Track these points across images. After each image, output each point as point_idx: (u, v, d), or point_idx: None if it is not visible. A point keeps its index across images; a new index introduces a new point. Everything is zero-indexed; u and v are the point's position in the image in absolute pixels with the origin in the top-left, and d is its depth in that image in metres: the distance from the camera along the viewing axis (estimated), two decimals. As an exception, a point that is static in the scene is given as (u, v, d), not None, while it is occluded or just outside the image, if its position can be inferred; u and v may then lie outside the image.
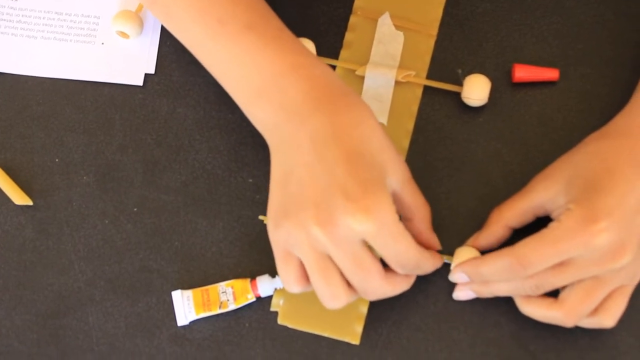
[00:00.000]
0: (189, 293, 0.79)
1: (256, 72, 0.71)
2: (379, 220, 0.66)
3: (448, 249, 0.78)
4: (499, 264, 0.72)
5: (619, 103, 0.78)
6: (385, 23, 0.84)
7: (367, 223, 0.66)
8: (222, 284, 0.79)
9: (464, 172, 0.81)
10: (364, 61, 0.83)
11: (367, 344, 0.78)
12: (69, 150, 0.83)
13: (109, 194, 0.82)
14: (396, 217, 0.68)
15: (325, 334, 0.78)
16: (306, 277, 0.70)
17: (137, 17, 0.84)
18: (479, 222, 0.78)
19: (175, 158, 0.82)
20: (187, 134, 0.83)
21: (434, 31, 0.84)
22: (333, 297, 0.70)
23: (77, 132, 0.83)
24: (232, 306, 0.78)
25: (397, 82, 0.82)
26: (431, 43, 0.84)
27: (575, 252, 0.69)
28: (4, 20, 0.86)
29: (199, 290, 0.79)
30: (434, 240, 0.75)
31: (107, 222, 0.81)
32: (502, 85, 0.82)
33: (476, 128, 0.82)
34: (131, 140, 0.83)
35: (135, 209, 0.81)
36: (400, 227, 0.68)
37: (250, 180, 0.81)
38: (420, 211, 0.74)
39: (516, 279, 0.72)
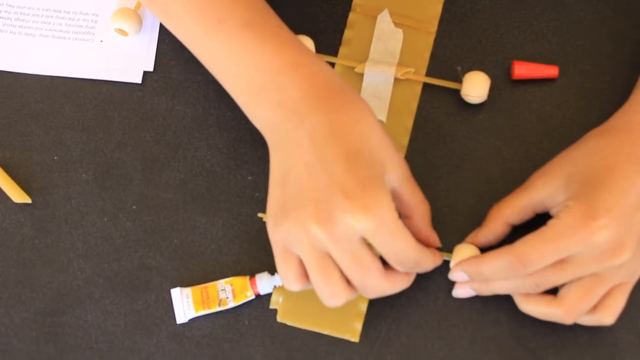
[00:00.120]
0: (188, 291, 0.79)
1: (255, 70, 0.71)
2: (378, 217, 0.66)
3: (447, 247, 0.78)
4: (499, 263, 0.72)
5: (619, 100, 0.78)
6: (384, 20, 0.83)
7: (367, 221, 0.66)
8: (222, 282, 0.79)
9: (463, 169, 0.81)
10: (363, 58, 0.83)
11: (366, 342, 0.78)
12: (67, 148, 0.83)
13: (108, 192, 0.82)
14: (395, 214, 0.68)
15: (325, 332, 0.78)
16: (306, 276, 0.70)
17: (136, 15, 0.84)
18: (478, 220, 0.78)
19: (174, 156, 0.82)
20: (186, 132, 0.83)
21: (433, 28, 0.84)
22: (333, 295, 0.70)
23: (75, 130, 0.83)
24: (231, 304, 0.78)
25: (396, 80, 0.82)
26: (430, 40, 0.83)
27: (574, 250, 0.69)
28: (2, 18, 0.86)
29: (198, 287, 0.79)
30: (433, 237, 0.75)
31: (106, 219, 0.81)
32: (502, 82, 0.82)
33: (476, 125, 0.81)
34: (130, 138, 0.83)
35: (134, 207, 0.81)
36: (399, 224, 0.68)
37: (250, 178, 0.81)
38: (419, 209, 0.74)
39: (516, 277, 0.72)
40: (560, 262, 0.70)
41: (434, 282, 0.78)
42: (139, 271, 0.80)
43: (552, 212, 0.73)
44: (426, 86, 0.82)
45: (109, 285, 0.80)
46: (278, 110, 0.70)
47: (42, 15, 0.86)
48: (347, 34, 0.84)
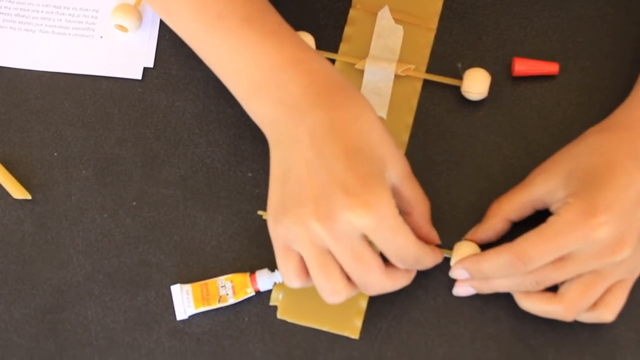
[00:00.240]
0: (188, 287, 0.79)
1: (255, 66, 0.71)
2: (378, 214, 0.66)
3: (447, 244, 0.78)
4: (499, 261, 0.72)
5: (619, 96, 0.78)
6: (384, 16, 0.83)
7: (367, 217, 0.66)
8: (222, 278, 0.79)
9: (463, 166, 0.80)
10: (364, 55, 0.83)
11: (366, 339, 0.78)
12: (67, 144, 0.83)
13: (108, 188, 0.82)
14: (396, 211, 0.68)
15: (325, 329, 0.78)
16: (306, 272, 0.70)
17: (136, 11, 0.84)
18: (478, 216, 0.78)
19: (174, 152, 0.82)
20: (186, 128, 0.83)
21: (434, 25, 0.84)
22: (333, 292, 0.70)
23: (75, 126, 0.83)
24: (231, 300, 0.78)
25: (396, 76, 0.82)
26: (431, 37, 0.83)
27: (574, 246, 0.69)
28: (2, 14, 0.86)
29: (198, 284, 0.79)
30: (433, 234, 0.75)
31: (106, 216, 0.81)
32: (502, 78, 0.82)
33: (476, 122, 0.81)
34: (130, 134, 0.83)
35: (134, 203, 0.81)
36: (399, 221, 0.68)
37: (250, 174, 0.81)
38: (419, 205, 0.73)
39: (516, 275, 0.72)
40: (561, 260, 0.70)
41: (434, 279, 0.78)
42: (139, 267, 0.80)
43: (552, 209, 0.73)
44: (426, 83, 0.82)
45: (109, 282, 0.80)
46: (278, 107, 0.70)
47: (42, 11, 0.86)
48: (348, 30, 0.84)
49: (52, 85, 0.84)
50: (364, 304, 0.77)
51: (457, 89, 0.82)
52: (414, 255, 0.70)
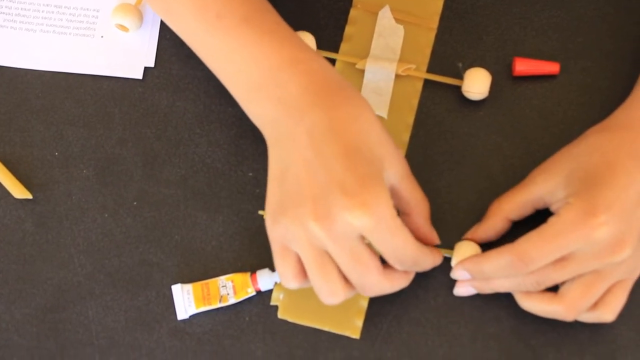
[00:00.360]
0: (189, 287, 0.79)
1: (254, 66, 0.71)
2: (376, 215, 0.66)
3: (448, 243, 0.78)
4: (500, 261, 0.72)
5: (620, 96, 0.78)
6: (385, 16, 0.83)
7: (365, 218, 0.66)
8: (222, 278, 0.79)
9: (464, 165, 0.81)
10: (364, 55, 0.83)
11: (367, 338, 0.78)
12: (68, 143, 0.83)
13: (109, 188, 0.82)
14: (394, 211, 0.67)
15: (326, 328, 0.78)
16: (304, 273, 0.70)
17: (137, 10, 0.84)
18: (479, 216, 0.78)
19: (175, 152, 0.82)
20: (186, 128, 0.83)
21: (435, 24, 0.84)
22: (331, 293, 0.69)
23: (76, 126, 0.83)
24: (232, 300, 0.78)
25: (397, 76, 0.82)
26: (431, 36, 0.83)
27: (575, 246, 0.69)
28: (3, 13, 0.86)
29: (198, 284, 0.79)
30: (432, 235, 0.75)
31: (106, 215, 0.81)
32: (503, 78, 0.82)
33: (476, 122, 0.81)
34: (131, 134, 0.83)
35: (135, 203, 0.81)
36: (397, 221, 0.68)
37: (250, 174, 0.81)
38: (418, 206, 0.73)
39: (517, 275, 0.72)
40: (561, 260, 0.70)
41: (435, 279, 0.78)
42: (140, 267, 0.80)
43: (552, 209, 0.73)
44: (427, 82, 0.82)
45: (110, 282, 0.80)
46: (277, 107, 0.70)
47: (42, 11, 0.86)
48: (348, 30, 0.84)
49: (53, 85, 0.84)
50: (364, 303, 0.78)
51: (458, 88, 0.82)
52: (412, 256, 0.70)
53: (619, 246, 0.69)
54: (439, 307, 0.78)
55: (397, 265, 0.71)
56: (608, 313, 0.73)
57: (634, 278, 0.74)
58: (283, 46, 0.71)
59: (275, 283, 0.78)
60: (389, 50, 0.83)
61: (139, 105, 0.83)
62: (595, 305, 0.73)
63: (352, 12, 0.84)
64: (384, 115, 0.81)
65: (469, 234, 0.78)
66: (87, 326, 0.79)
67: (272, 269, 0.79)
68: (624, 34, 0.83)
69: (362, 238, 0.68)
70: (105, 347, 0.79)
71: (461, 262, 0.75)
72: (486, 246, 0.77)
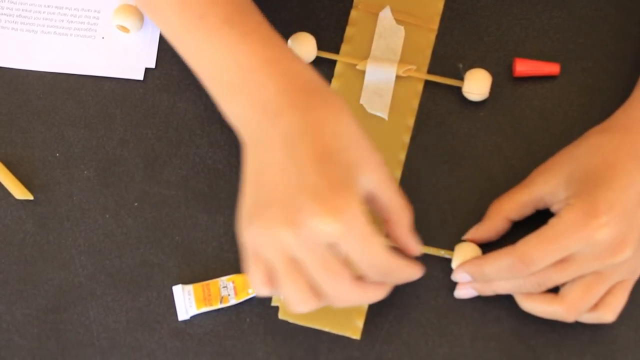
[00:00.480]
0: (189, 288, 0.79)
1: (233, 66, 0.70)
2: (346, 221, 0.64)
3: (449, 244, 0.78)
4: (502, 263, 0.72)
5: (620, 97, 0.78)
6: (386, 17, 0.83)
7: (334, 224, 0.63)
8: (223, 279, 0.79)
9: (464, 166, 0.81)
10: (365, 56, 0.83)
11: (367, 339, 0.78)
12: (69, 144, 0.83)
13: (110, 189, 0.82)
14: (366, 218, 0.65)
15: (326, 329, 0.78)
16: (275, 280, 0.68)
17: (138, 12, 0.84)
18: (479, 217, 0.78)
19: (175, 153, 0.82)
20: (187, 129, 0.83)
21: (435, 25, 0.84)
22: (300, 301, 0.67)
23: (77, 127, 0.83)
24: (233, 301, 0.78)
25: (397, 77, 0.82)
26: (432, 37, 0.83)
27: (576, 248, 0.69)
28: (4, 14, 0.86)
29: (199, 284, 0.79)
30: (412, 245, 0.72)
31: (107, 216, 0.81)
32: (503, 79, 0.82)
33: (477, 122, 0.82)
34: (132, 135, 0.83)
35: (135, 204, 0.81)
36: (370, 229, 0.65)
37: (251, 175, 0.81)
38: (397, 213, 0.70)
39: (518, 277, 0.72)
40: (562, 261, 0.70)
41: (435, 279, 0.78)
42: (141, 268, 0.80)
43: (552, 209, 0.73)
44: (428, 83, 0.82)
45: (111, 282, 0.80)
46: (254, 108, 0.69)
47: (44, 12, 0.86)
48: (349, 31, 0.84)
49: (54, 86, 0.84)
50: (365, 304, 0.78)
51: (458, 89, 0.82)
52: (385, 266, 0.67)
53: (619, 247, 0.69)
54: (440, 307, 0.78)
55: (370, 276, 0.68)
56: (608, 313, 0.73)
57: (635, 278, 0.74)
58: (263, 46, 0.70)
59: (276, 284, 0.78)
60: (390, 51, 0.83)
61: (140, 106, 0.83)
62: (595, 306, 0.73)
63: (353, 13, 0.84)
64: (385, 116, 0.81)
65: (469, 234, 0.78)
66: (88, 327, 0.79)
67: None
68: (625, 35, 0.83)
69: (334, 245, 0.65)
70: (106, 347, 0.79)
71: (462, 264, 0.76)
72: (486, 247, 0.77)
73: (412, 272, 0.71)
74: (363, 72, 0.82)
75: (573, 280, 0.72)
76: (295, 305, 0.68)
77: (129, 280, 0.80)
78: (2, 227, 0.82)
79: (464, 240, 0.78)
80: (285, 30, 0.83)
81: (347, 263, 0.66)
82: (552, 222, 0.70)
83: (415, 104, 0.82)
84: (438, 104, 0.82)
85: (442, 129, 0.81)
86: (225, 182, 0.81)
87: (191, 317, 0.79)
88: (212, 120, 0.82)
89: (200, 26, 0.71)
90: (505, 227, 0.77)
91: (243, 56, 0.70)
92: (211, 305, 0.78)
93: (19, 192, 0.81)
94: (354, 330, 0.77)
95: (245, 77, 0.69)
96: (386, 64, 0.82)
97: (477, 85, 0.80)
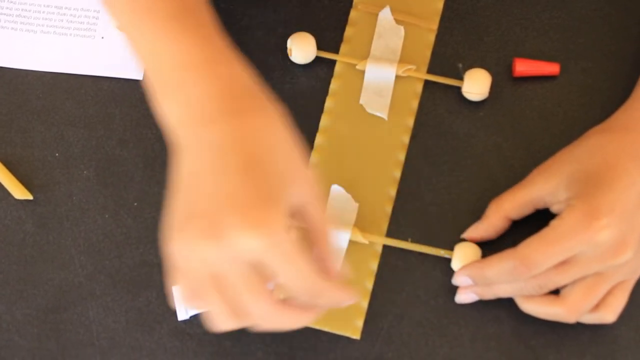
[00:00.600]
0: (189, 288, 0.79)
1: (169, 62, 0.67)
2: (270, 237, 0.60)
3: (448, 244, 0.78)
4: (503, 266, 0.71)
5: (620, 97, 0.78)
6: (385, 17, 0.83)
7: (257, 240, 0.60)
8: (223, 279, 0.79)
9: (464, 166, 0.81)
10: (365, 55, 0.83)
11: (367, 339, 0.78)
12: (69, 144, 0.83)
13: (109, 189, 0.82)
14: (290, 235, 0.61)
15: (326, 329, 0.78)
16: (199, 295, 0.65)
17: (137, 11, 0.84)
18: (479, 217, 0.78)
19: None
20: (187, 129, 0.82)
21: (435, 25, 0.84)
22: (220, 319, 0.65)
23: (77, 127, 0.83)
24: (232, 301, 0.78)
25: (397, 77, 0.82)
26: (432, 37, 0.83)
27: (578, 249, 0.69)
28: (4, 14, 0.86)
29: (199, 284, 0.79)
30: (334, 266, 0.68)
31: (107, 216, 0.81)
32: (503, 79, 0.82)
33: (477, 122, 0.82)
34: (131, 135, 0.83)
35: (135, 204, 0.81)
36: (294, 246, 0.62)
37: (251, 175, 0.81)
38: (321, 231, 0.67)
39: (520, 280, 0.72)
40: (564, 263, 0.70)
41: (435, 279, 0.78)
42: (140, 268, 0.80)
43: (552, 209, 0.73)
44: (427, 83, 0.82)
45: (110, 282, 0.80)
46: (187, 109, 0.66)
47: (43, 12, 0.86)
48: (349, 31, 0.84)
49: (53, 86, 0.84)
50: (365, 304, 0.78)
51: (458, 89, 0.82)
52: (310, 287, 0.64)
53: (621, 248, 0.69)
54: (440, 307, 0.78)
55: (295, 295, 0.65)
56: (609, 314, 0.73)
57: (635, 278, 0.74)
58: (203, 46, 0.67)
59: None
60: (389, 51, 0.83)
61: (140, 106, 0.83)
62: (596, 307, 0.73)
63: (353, 13, 0.84)
64: (385, 116, 0.81)
65: (467, 233, 0.78)
66: (88, 327, 0.79)
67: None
68: (625, 35, 0.83)
69: (259, 263, 0.62)
70: (106, 347, 0.79)
71: (462, 268, 0.75)
72: (486, 247, 0.77)
73: (342, 296, 0.67)
74: (363, 72, 0.82)
75: (574, 282, 0.71)
76: (216, 323, 0.65)
77: (129, 280, 0.80)
78: (2, 227, 0.82)
79: (463, 239, 0.78)
80: (285, 30, 0.83)
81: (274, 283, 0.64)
82: (554, 224, 0.70)
83: (415, 103, 0.82)
84: (438, 103, 0.82)
85: (442, 129, 0.81)
86: (225, 182, 0.81)
87: (191, 317, 0.79)
88: (212, 120, 0.82)
89: (145, 20, 0.68)
90: (505, 226, 0.77)
91: (180, 53, 0.67)
92: (211, 305, 0.78)
93: (19, 192, 0.81)
94: (353, 330, 0.77)
95: (180, 76, 0.66)
96: (386, 64, 0.82)
97: (476, 85, 0.80)
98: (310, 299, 0.65)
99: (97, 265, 0.80)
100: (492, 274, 0.73)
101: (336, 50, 0.83)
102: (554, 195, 0.73)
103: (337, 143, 0.81)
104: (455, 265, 0.77)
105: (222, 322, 0.65)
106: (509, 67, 0.82)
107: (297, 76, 0.83)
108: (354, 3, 0.84)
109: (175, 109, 0.66)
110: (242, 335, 0.78)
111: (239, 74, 0.67)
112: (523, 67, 0.81)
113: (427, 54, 0.83)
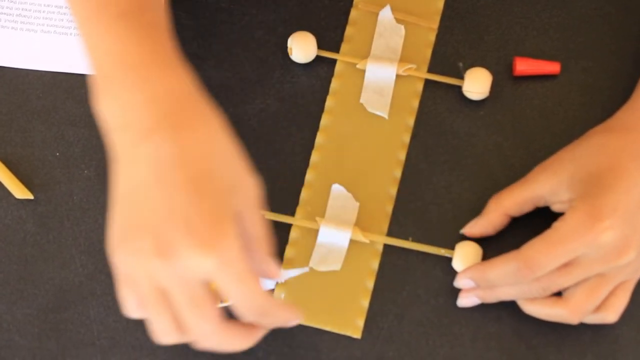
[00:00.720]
0: (190, 287, 0.79)
1: (110, 61, 0.66)
2: (221, 257, 0.60)
3: (449, 243, 0.78)
4: (506, 268, 0.71)
5: (621, 96, 0.78)
6: (386, 16, 0.83)
7: (208, 259, 0.60)
8: (223, 278, 0.79)
9: (465, 165, 0.81)
10: (365, 55, 0.83)
11: (368, 338, 0.78)
12: (69, 144, 0.83)
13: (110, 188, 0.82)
14: (242, 254, 0.62)
15: (327, 328, 0.78)
16: (145, 306, 0.65)
17: (138, 11, 0.84)
18: (480, 216, 0.78)
19: (176, 152, 0.82)
20: (187, 128, 0.82)
21: (435, 24, 0.84)
22: (162, 333, 0.65)
23: (77, 126, 0.83)
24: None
25: (398, 76, 0.82)
26: (432, 36, 0.83)
27: (581, 251, 0.69)
28: (4, 14, 0.86)
29: (200, 284, 0.79)
30: (272, 268, 0.69)
31: (107, 216, 0.81)
32: (503, 78, 0.82)
33: (477, 121, 0.82)
34: (132, 134, 0.83)
35: (136, 203, 0.81)
36: (245, 266, 0.62)
37: (251, 174, 0.81)
38: (260, 239, 0.67)
39: (523, 282, 0.72)
40: (567, 265, 0.70)
41: (436, 279, 0.78)
42: (141, 267, 0.80)
43: (553, 208, 0.73)
44: (428, 82, 0.82)
45: (111, 282, 0.80)
46: (119, 113, 0.64)
47: (43, 11, 0.86)
48: (349, 30, 0.84)
49: (53, 85, 0.84)
50: (365, 303, 0.78)
51: (459, 88, 0.82)
52: (260, 306, 0.64)
53: (624, 250, 0.69)
54: (440, 307, 0.78)
55: (244, 315, 0.65)
56: (611, 314, 0.73)
57: (636, 278, 0.74)
58: (148, 46, 0.66)
59: (277, 283, 0.78)
60: (390, 51, 0.83)
61: (140, 106, 0.83)
62: (598, 307, 0.73)
63: (353, 13, 0.84)
64: (385, 115, 0.81)
65: (466, 228, 0.78)
66: (89, 326, 0.79)
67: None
68: (625, 34, 0.83)
69: (207, 280, 0.62)
70: (107, 347, 0.79)
71: (465, 270, 0.75)
72: (486, 245, 0.77)
73: (289, 315, 0.68)
74: (363, 71, 0.82)
75: (577, 283, 0.71)
76: (158, 336, 0.65)
77: (130, 280, 0.80)
78: (2, 227, 0.82)
79: (462, 234, 0.78)
80: (285, 30, 0.83)
81: (219, 300, 0.64)
82: (556, 225, 0.70)
83: (415, 103, 0.82)
84: (438, 103, 0.82)
85: (442, 128, 0.81)
86: (226, 181, 0.81)
87: (191, 317, 0.79)
88: (212, 119, 0.82)
89: (92, 18, 0.67)
90: (504, 223, 0.77)
91: (121, 53, 0.65)
92: (211, 304, 0.78)
93: (19, 191, 0.81)
94: (354, 329, 0.77)
95: (119, 76, 0.65)
96: (386, 63, 0.82)
97: (477, 84, 0.80)
98: (257, 318, 0.66)
99: (98, 264, 0.80)
100: (495, 276, 0.73)
101: (337, 50, 0.83)
102: (555, 195, 0.73)
103: (338, 142, 0.81)
104: (456, 264, 0.77)
105: (164, 335, 0.65)
106: (510, 66, 0.82)
107: (298, 75, 0.83)
108: (354, 2, 0.84)
109: (112, 112, 0.65)
110: (242, 335, 0.78)
111: (180, 79, 0.66)
112: (523, 66, 0.81)
113: (428, 53, 0.83)
